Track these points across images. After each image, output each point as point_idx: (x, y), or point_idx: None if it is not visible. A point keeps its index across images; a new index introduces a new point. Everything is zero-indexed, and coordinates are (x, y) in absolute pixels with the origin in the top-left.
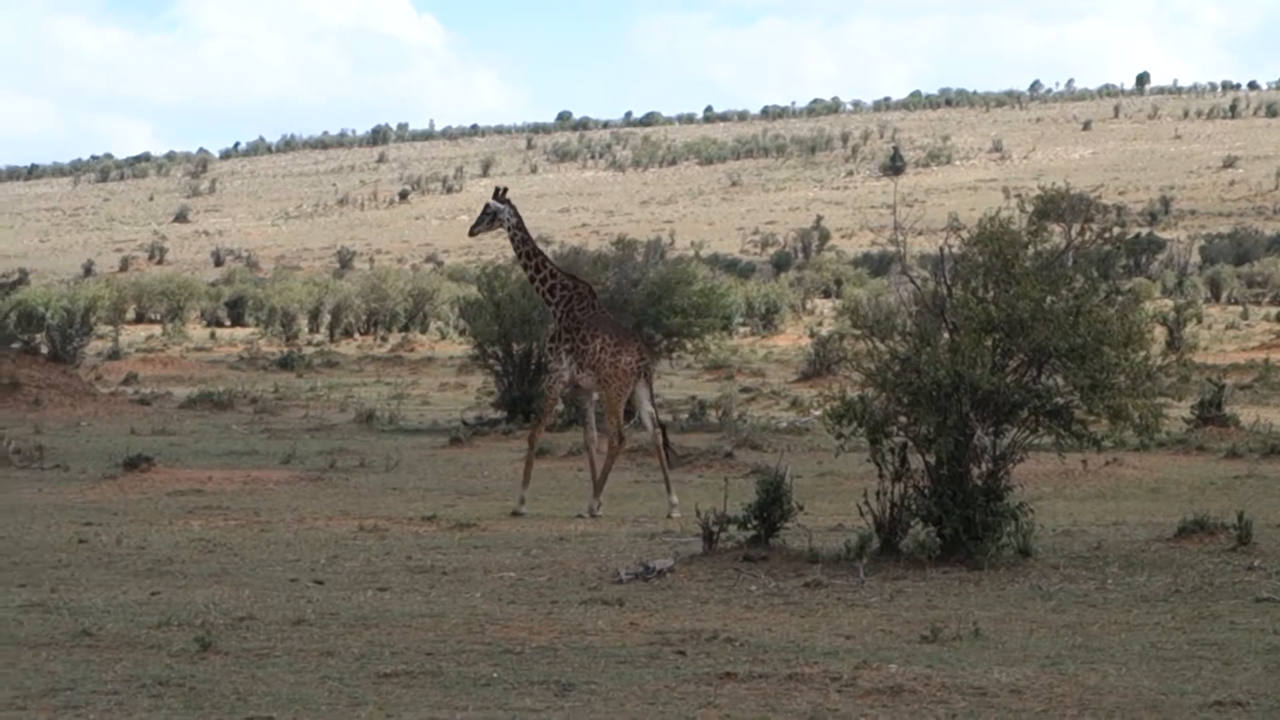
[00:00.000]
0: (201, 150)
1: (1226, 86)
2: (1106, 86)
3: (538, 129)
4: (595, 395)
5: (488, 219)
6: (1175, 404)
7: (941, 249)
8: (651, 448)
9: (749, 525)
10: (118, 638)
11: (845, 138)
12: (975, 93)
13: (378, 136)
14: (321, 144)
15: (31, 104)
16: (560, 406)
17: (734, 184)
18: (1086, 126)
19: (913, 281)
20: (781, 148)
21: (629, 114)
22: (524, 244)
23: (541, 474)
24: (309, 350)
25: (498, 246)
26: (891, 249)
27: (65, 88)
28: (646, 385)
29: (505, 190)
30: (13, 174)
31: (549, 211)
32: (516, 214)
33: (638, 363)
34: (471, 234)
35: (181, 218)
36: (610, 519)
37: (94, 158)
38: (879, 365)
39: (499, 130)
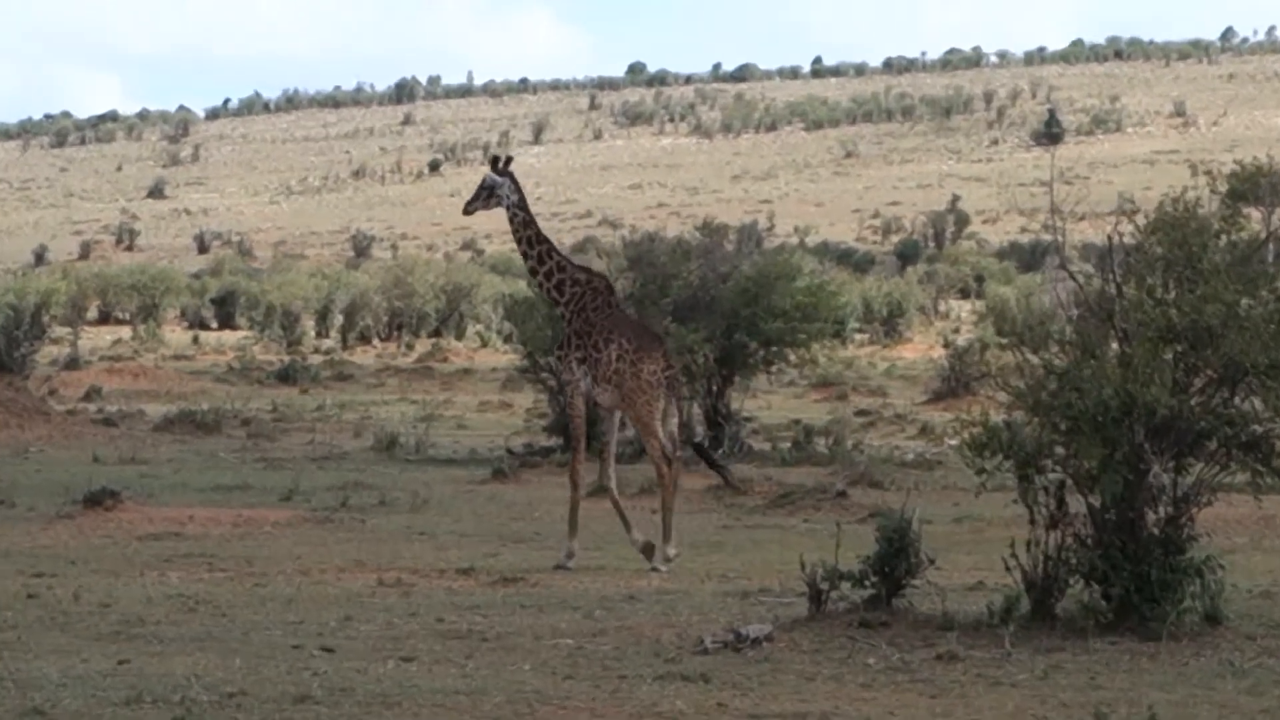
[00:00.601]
0: (182, 108)
1: None
2: None
3: (603, 84)
4: (617, 415)
5: (484, 194)
6: None
7: (1109, 238)
8: (659, 475)
9: (866, 583)
10: (76, 717)
11: (988, 98)
12: (1152, 42)
13: (402, 93)
14: (333, 101)
15: None
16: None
17: (848, 154)
18: None
19: (1073, 278)
20: (908, 110)
21: (718, 66)
22: (525, 227)
23: (605, 516)
24: (315, 360)
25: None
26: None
27: (14, 32)
28: (672, 401)
29: (509, 160)
30: None
31: (616, 187)
32: (518, 190)
33: (663, 371)
34: (467, 211)
35: (157, 192)
36: (691, 573)
37: (48, 117)
38: (1030, 383)
39: (554, 85)
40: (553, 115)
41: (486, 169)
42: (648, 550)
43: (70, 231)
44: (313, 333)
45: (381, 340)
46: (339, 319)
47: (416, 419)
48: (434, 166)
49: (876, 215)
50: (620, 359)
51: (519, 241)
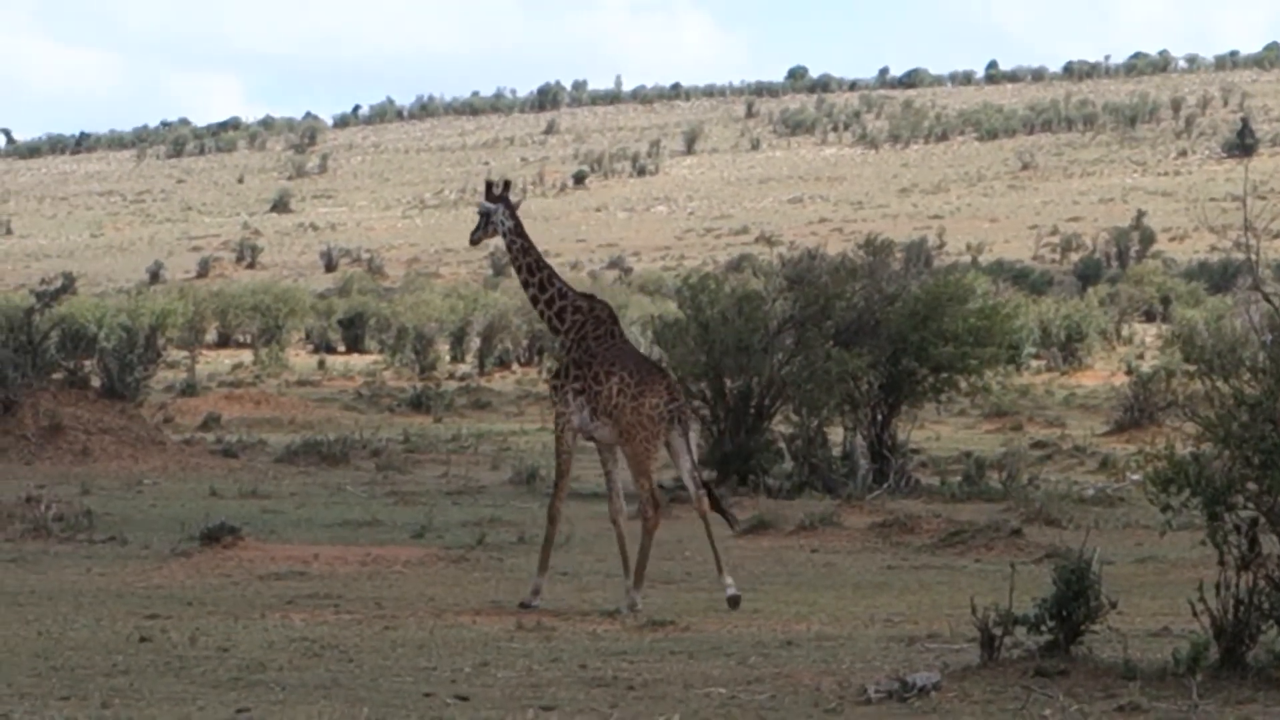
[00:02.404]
0: (308, 116)
1: None
2: None
3: (761, 90)
4: (616, 449)
5: (482, 222)
6: None
7: None
8: (642, 518)
9: (1043, 628)
10: None
11: (1176, 105)
12: None
13: (546, 99)
14: (470, 108)
15: (84, 55)
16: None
17: (1025, 166)
18: None
19: (1268, 300)
20: (1090, 118)
21: (884, 71)
22: (524, 254)
23: (764, 556)
24: (450, 386)
25: (705, 247)
26: (1238, 256)
27: (129, 34)
28: (683, 435)
29: (507, 185)
30: (56, 145)
31: (775, 201)
32: (514, 216)
33: (667, 406)
34: (472, 242)
35: (281, 206)
36: (854, 617)
37: (165, 125)
38: (1220, 413)
39: (709, 92)
40: (707, 124)
41: (489, 196)
42: (534, 594)
43: (188, 248)
44: (447, 357)
45: (521, 365)
46: (476, 342)
47: None
48: (579, 179)
49: (1055, 232)
50: (621, 392)
51: (518, 270)
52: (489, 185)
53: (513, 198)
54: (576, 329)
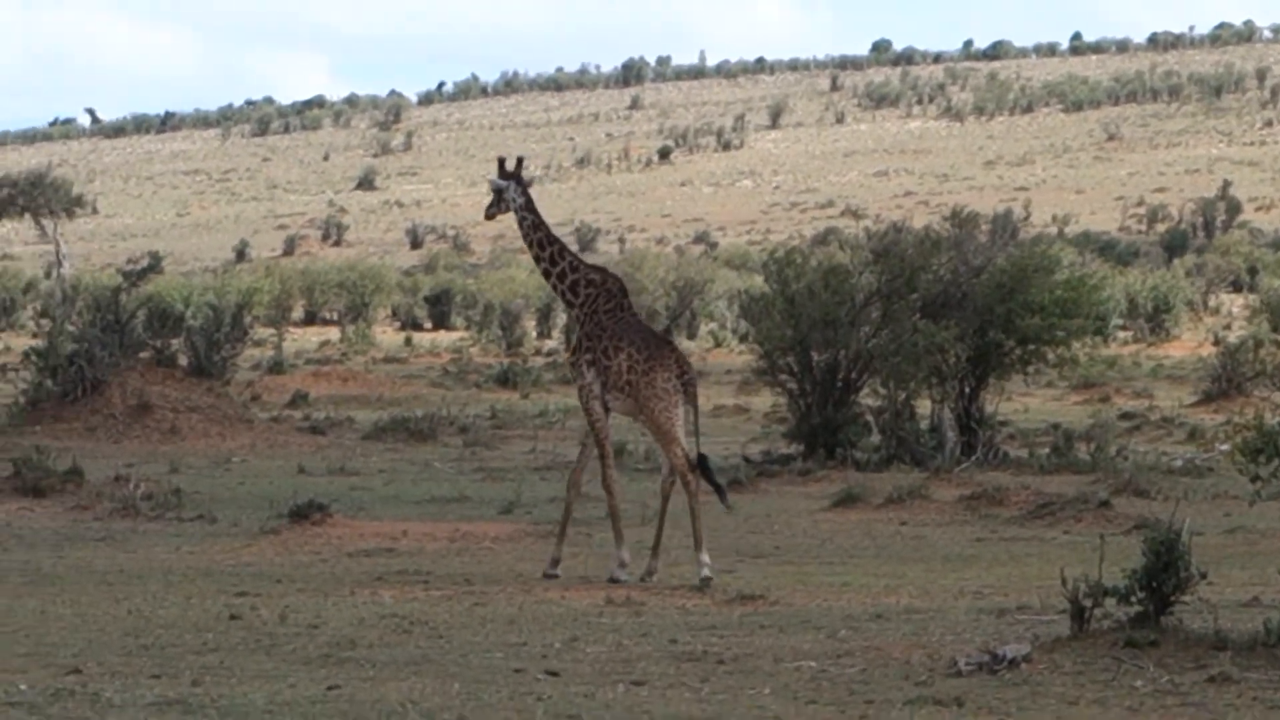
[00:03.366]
0: (393, 93)
1: None
2: None
3: (845, 64)
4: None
5: (495, 198)
6: None
7: None
8: (667, 486)
9: (1132, 599)
10: None
11: (1262, 75)
12: None
13: (630, 74)
14: (555, 84)
15: (167, 34)
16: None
17: (1110, 138)
18: None
19: None
20: (1175, 89)
21: (969, 44)
22: (535, 229)
23: (852, 529)
24: (537, 362)
25: (790, 221)
26: None
27: (214, 13)
28: (689, 410)
29: (519, 162)
30: (141, 125)
31: (860, 175)
32: (525, 192)
33: (678, 378)
34: (487, 216)
35: (366, 183)
36: (944, 590)
37: (249, 103)
38: None
39: (793, 66)
40: (791, 98)
41: (501, 173)
42: (613, 580)
43: (273, 226)
44: (534, 333)
45: None
46: (562, 318)
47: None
48: (664, 154)
49: (1141, 203)
50: (631, 369)
51: (529, 245)
52: (501, 162)
53: (524, 174)
54: (589, 302)
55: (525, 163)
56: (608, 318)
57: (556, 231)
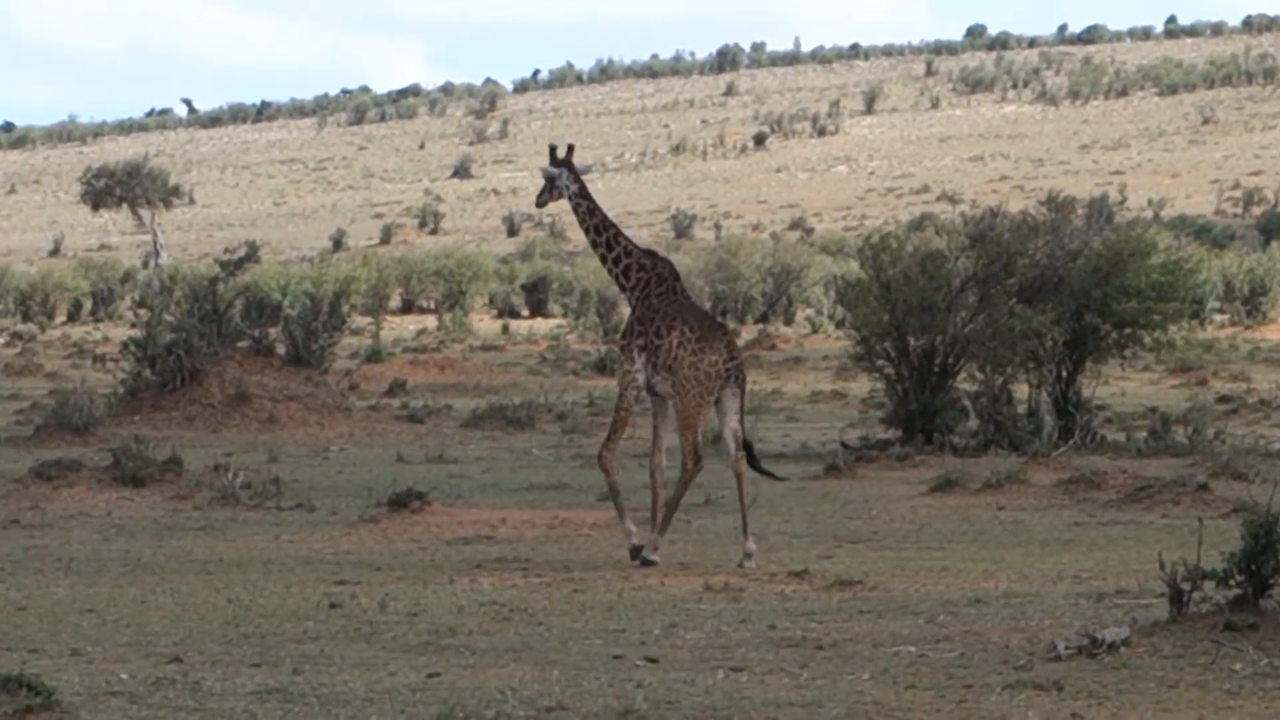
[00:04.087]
0: (489, 81)
1: None
2: None
3: (940, 49)
4: (670, 403)
5: (547, 186)
6: None
7: None
8: (732, 474)
9: (1231, 582)
10: None
11: None
12: None
13: (725, 61)
14: (650, 71)
15: (263, 23)
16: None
17: (1206, 121)
18: None
19: None
20: (1270, 72)
21: (1063, 28)
22: (590, 215)
23: (950, 514)
24: None
25: (886, 206)
26: None
27: (307, 1)
28: (737, 395)
29: (570, 150)
30: (237, 114)
31: (955, 159)
32: (578, 179)
33: (725, 363)
34: (538, 204)
35: (462, 171)
36: (1042, 574)
37: (345, 92)
38: None
39: (888, 51)
40: (886, 83)
41: (545, 164)
42: (634, 552)
43: (370, 214)
44: None
45: None
46: None
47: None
48: (759, 140)
49: (1236, 186)
50: (682, 346)
51: (586, 231)
52: (552, 150)
53: (575, 162)
54: (641, 286)
55: (624, 151)
56: (660, 300)
57: (613, 216)
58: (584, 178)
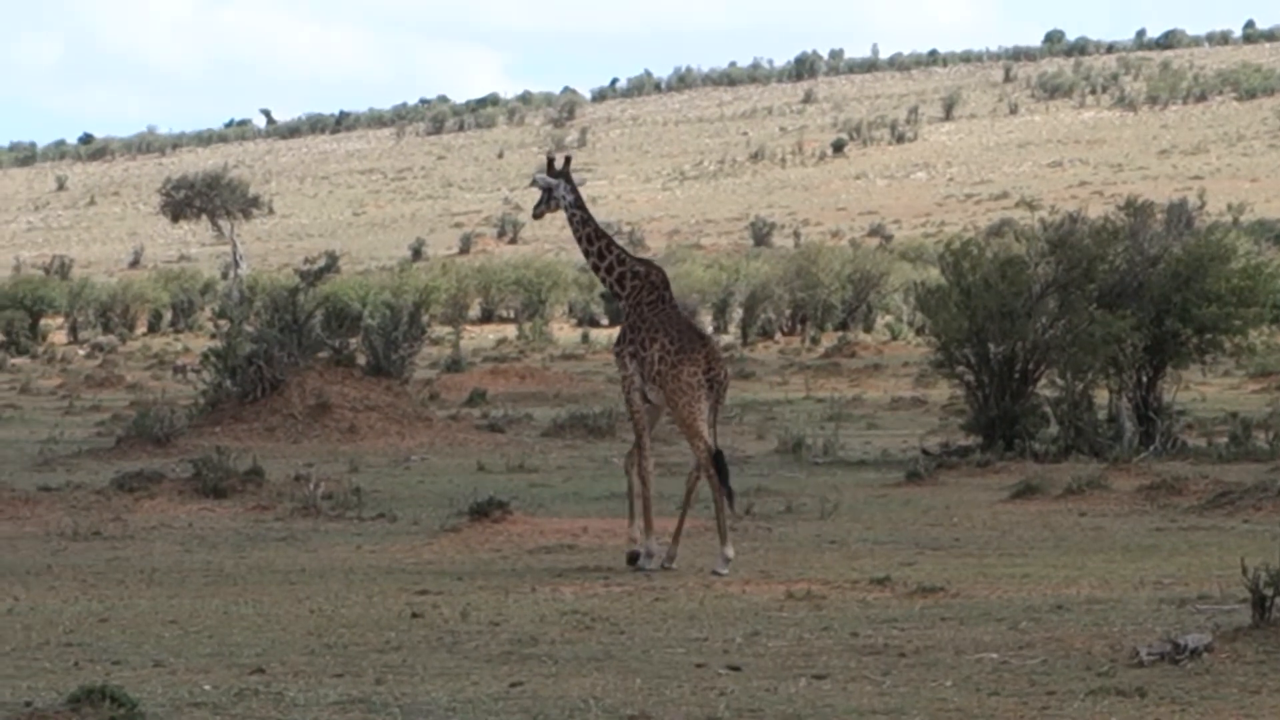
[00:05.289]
0: (567, 90)
1: None
2: None
3: (1018, 55)
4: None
5: (545, 197)
6: None
7: None
8: (692, 479)
9: None
10: None
11: None
12: None
13: (803, 68)
14: (728, 79)
15: (341, 33)
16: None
17: None
18: None
19: None
20: None
21: (1142, 33)
22: (584, 225)
23: (1032, 520)
24: None
25: (965, 213)
26: None
27: (387, 11)
28: (714, 404)
29: (568, 160)
30: (316, 125)
31: (1034, 165)
32: (574, 190)
33: (705, 374)
34: (535, 216)
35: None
36: (1124, 580)
37: (424, 102)
38: None
39: (966, 57)
40: (964, 89)
41: (550, 171)
42: (632, 558)
43: (449, 224)
44: (711, 328)
45: (784, 334)
46: (738, 312)
47: (824, 419)
48: (838, 147)
49: None
50: (662, 360)
51: (579, 240)
52: (550, 161)
53: (572, 173)
54: (634, 294)
55: (702, 159)
56: (649, 309)
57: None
58: (580, 188)
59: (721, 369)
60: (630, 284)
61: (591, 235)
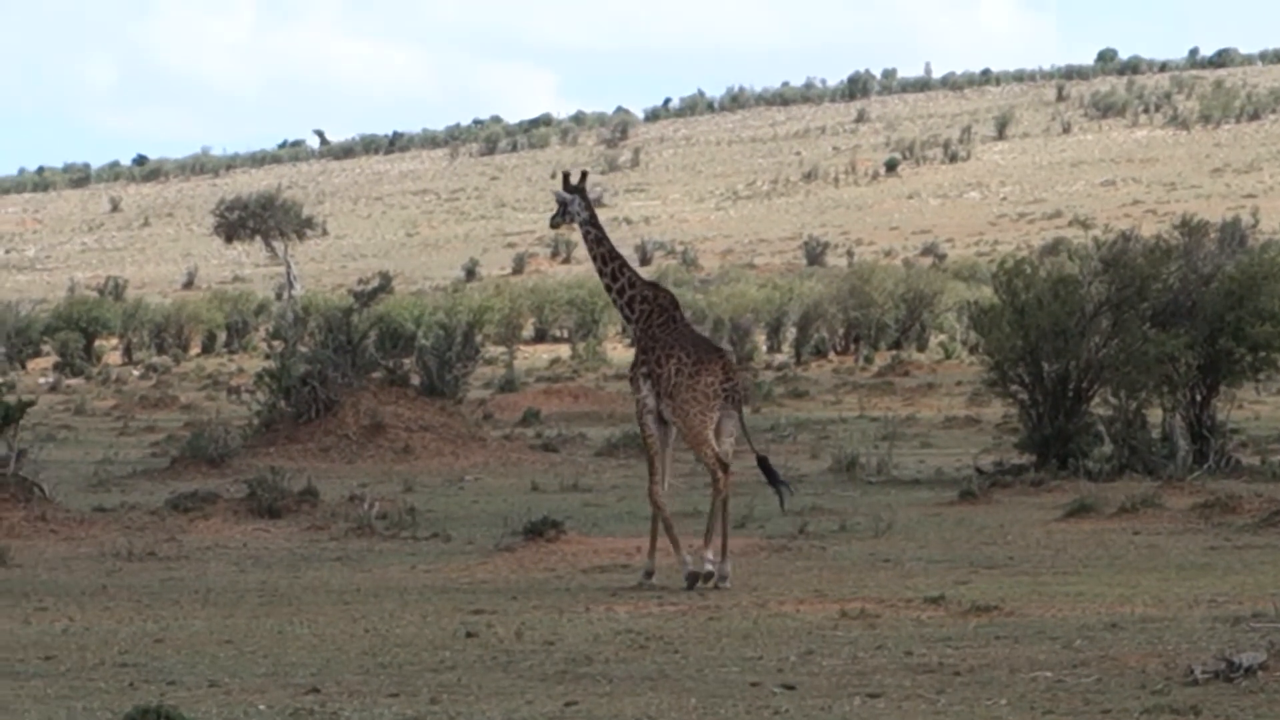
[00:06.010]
0: (620, 110)
1: None
2: None
3: (1071, 74)
4: (674, 429)
5: (560, 211)
6: None
7: None
8: (713, 482)
9: None
10: None
11: None
12: None
13: (856, 88)
14: (781, 99)
15: (393, 53)
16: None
17: None
18: None
19: None
20: None
21: (1194, 52)
22: (598, 244)
23: (1085, 539)
24: (768, 376)
25: (1018, 232)
26: None
27: (439, 31)
28: (733, 415)
29: (584, 176)
30: (370, 145)
31: (1087, 185)
32: (589, 207)
33: (722, 384)
34: (552, 226)
35: (595, 201)
36: (1178, 598)
37: (477, 122)
38: None
39: (1018, 76)
40: (1017, 108)
41: (566, 186)
42: (691, 579)
43: (502, 244)
44: (764, 347)
45: (838, 354)
46: (792, 332)
47: (877, 437)
48: (891, 166)
49: None
50: (679, 372)
51: (594, 259)
52: (565, 176)
53: (588, 189)
54: (644, 317)
55: (755, 179)
56: (661, 330)
57: (620, 248)
58: (595, 206)
59: (738, 380)
60: (640, 307)
61: (606, 255)
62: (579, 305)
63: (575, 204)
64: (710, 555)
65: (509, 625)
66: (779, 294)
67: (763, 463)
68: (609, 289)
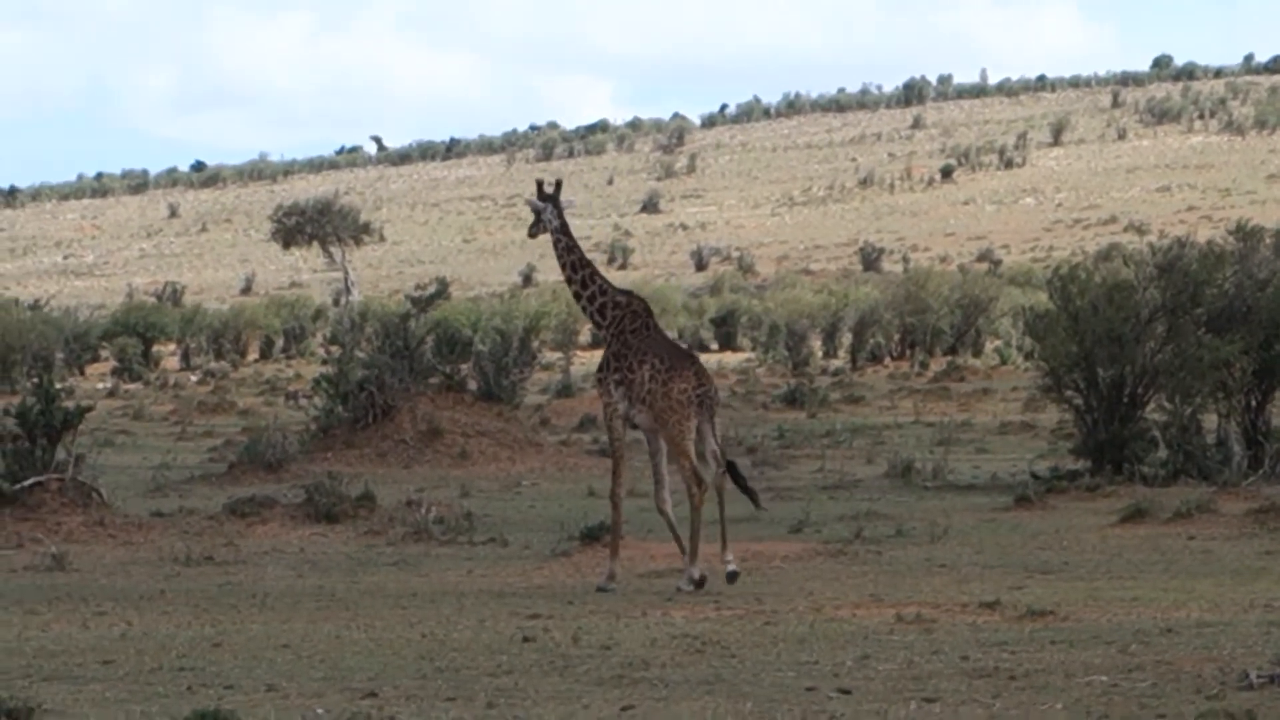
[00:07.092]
0: (677, 116)
1: None
2: None
3: (1127, 80)
4: (660, 436)
5: (534, 219)
6: None
7: None
8: (689, 496)
9: None
10: None
11: None
12: None
13: (911, 94)
14: (837, 105)
15: (450, 60)
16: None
17: None
18: None
19: None
20: None
21: (1250, 58)
22: (569, 252)
23: (1141, 544)
24: (824, 381)
25: (1074, 238)
26: None
27: (496, 38)
28: (709, 418)
29: (558, 185)
30: (426, 152)
31: (1142, 190)
32: (561, 215)
33: (695, 390)
34: (530, 235)
35: (651, 206)
36: (1234, 603)
37: (533, 129)
38: None
39: (1074, 83)
40: (1073, 114)
41: (540, 195)
42: (700, 583)
43: None
44: (820, 353)
45: (894, 359)
46: (848, 337)
47: (933, 443)
48: (946, 172)
49: None
50: (653, 379)
51: (563, 267)
52: (539, 184)
53: (562, 198)
54: (616, 324)
55: (811, 185)
56: (634, 337)
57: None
58: (566, 213)
59: (711, 386)
60: (612, 314)
61: (575, 264)
62: None
63: (548, 212)
64: (729, 556)
65: (566, 630)
66: (834, 300)
67: (731, 468)
68: (578, 296)
